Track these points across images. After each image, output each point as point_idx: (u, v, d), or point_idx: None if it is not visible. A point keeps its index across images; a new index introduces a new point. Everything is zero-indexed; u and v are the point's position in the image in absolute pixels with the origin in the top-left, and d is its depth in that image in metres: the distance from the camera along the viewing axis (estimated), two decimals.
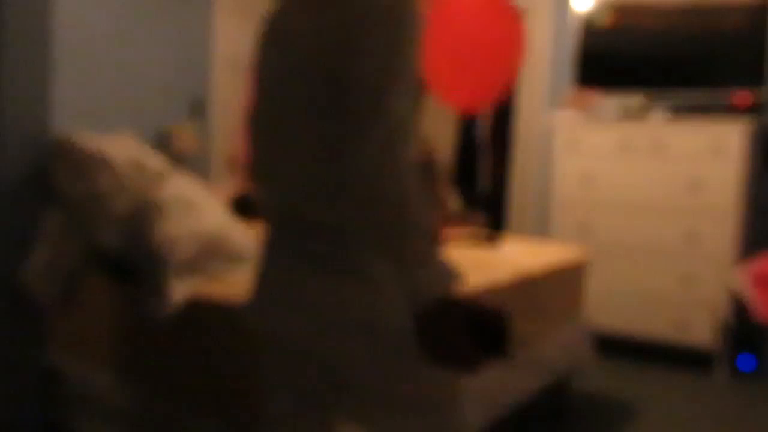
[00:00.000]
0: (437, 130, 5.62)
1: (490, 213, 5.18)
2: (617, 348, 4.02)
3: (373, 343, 1.15)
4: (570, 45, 4.47)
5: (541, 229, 4.68)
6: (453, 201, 5.36)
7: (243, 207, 3.56)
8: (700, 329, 3.80)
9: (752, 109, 3.87)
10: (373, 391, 1.19)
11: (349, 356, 1.17)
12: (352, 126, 1.07)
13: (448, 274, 1.09)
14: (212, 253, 2.20)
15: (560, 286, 3.00)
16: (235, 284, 2.11)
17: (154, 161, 2.42)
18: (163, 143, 4.41)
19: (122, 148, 2.40)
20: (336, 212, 1.15)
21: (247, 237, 2.40)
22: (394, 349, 1.13)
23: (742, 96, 3.91)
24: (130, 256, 2.20)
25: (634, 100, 4.10)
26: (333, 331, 1.16)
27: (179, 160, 4.35)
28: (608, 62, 4.33)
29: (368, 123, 1.06)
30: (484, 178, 5.09)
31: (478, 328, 1.06)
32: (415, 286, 1.06)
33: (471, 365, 1.07)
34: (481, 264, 2.68)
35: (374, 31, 1.08)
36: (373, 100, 1.06)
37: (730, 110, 3.87)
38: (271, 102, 1.30)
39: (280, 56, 1.25)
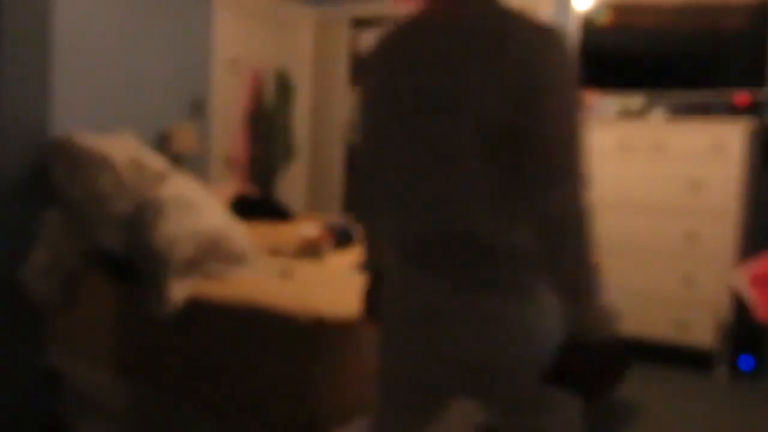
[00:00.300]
0: None
1: None
2: None
3: (531, 354, 1.28)
4: (571, 44, 4.47)
5: None
6: None
7: (242, 207, 3.57)
8: (701, 329, 3.80)
9: (752, 109, 3.88)
10: (517, 396, 1.33)
11: (508, 366, 1.29)
12: (542, 174, 1.22)
13: (612, 316, 1.21)
14: (212, 253, 2.20)
15: None
16: (235, 284, 2.11)
17: (154, 161, 2.42)
18: (163, 143, 4.41)
19: (122, 148, 2.40)
20: (510, 240, 1.29)
21: (247, 237, 2.40)
22: (543, 362, 1.26)
23: (742, 96, 3.91)
24: (130, 256, 2.20)
25: (634, 100, 4.10)
26: (499, 343, 1.28)
27: (179, 160, 4.35)
28: (608, 62, 4.33)
29: (560, 173, 1.22)
30: None
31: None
32: (582, 320, 1.18)
33: (604, 398, 1.23)
34: None
35: (560, 93, 1.21)
36: (565, 153, 1.22)
37: (731, 110, 3.87)
38: (416, 143, 1.33)
39: (443, 107, 1.29)
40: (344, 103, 5.63)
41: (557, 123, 1.21)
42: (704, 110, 3.93)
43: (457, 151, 1.27)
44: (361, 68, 1.45)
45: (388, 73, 1.36)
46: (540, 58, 1.21)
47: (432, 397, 1.42)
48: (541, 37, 1.23)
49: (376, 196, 1.46)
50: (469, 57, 1.24)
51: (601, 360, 1.19)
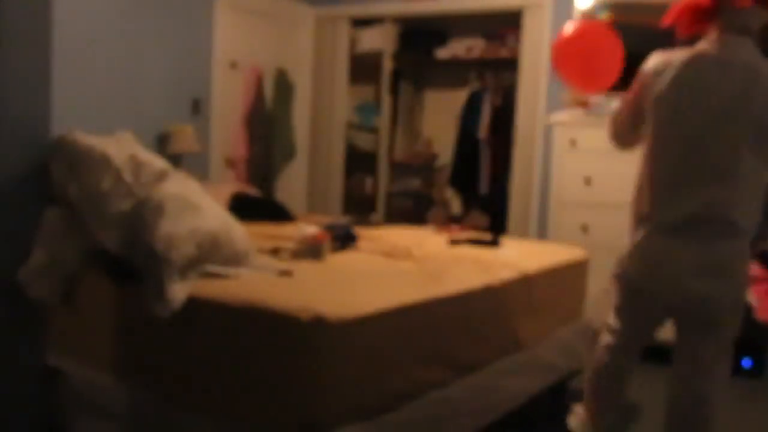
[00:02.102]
0: (437, 130, 5.62)
1: (490, 213, 5.18)
2: None
3: (742, 293, 2.14)
4: None
5: (541, 229, 4.68)
6: (453, 201, 5.36)
7: (242, 207, 3.56)
8: None
9: None
10: (720, 320, 2.15)
11: (731, 299, 2.11)
12: None
13: None
14: (212, 253, 2.20)
15: (560, 287, 3.00)
16: (235, 284, 2.11)
17: (154, 161, 2.42)
18: (163, 143, 4.41)
19: (122, 148, 2.40)
20: (751, 221, 2.08)
21: (247, 237, 2.40)
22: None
23: None
24: (130, 256, 2.20)
25: None
26: (730, 285, 2.09)
27: (179, 160, 4.35)
28: None
29: None
30: (484, 178, 5.08)
31: None
32: None
33: None
34: (481, 264, 2.68)
35: None
36: None
37: None
38: (699, 148, 2.09)
39: (722, 110, 2.06)
40: (344, 103, 5.63)
41: None
42: None
43: (735, 151, 2.02)
44: (649, 79, 2.15)
45: (689, 91, 2.07)
46: None
47: (660, 320, 2.29)
48: None
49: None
50: (742, 83, 2.02)
51: None
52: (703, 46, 2.12)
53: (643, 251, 2.16)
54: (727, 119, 2.03)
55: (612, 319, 2.35)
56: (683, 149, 2.10)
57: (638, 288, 2.20)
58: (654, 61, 2.17)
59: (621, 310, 2.31)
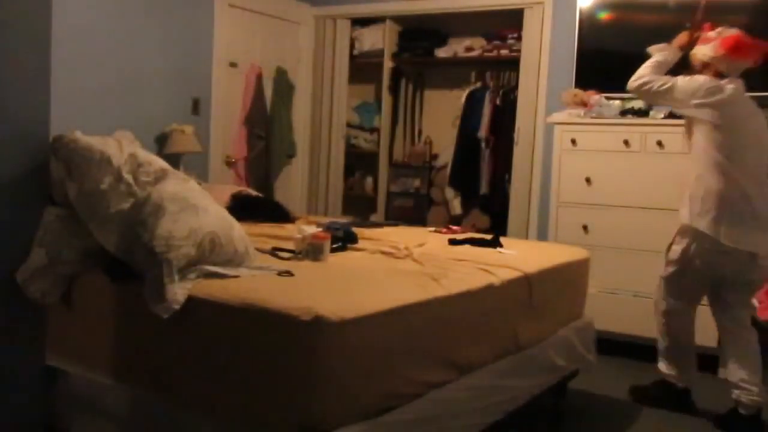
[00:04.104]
0: (437, 130, 5.62)
1: (490, 213, 5.18)
2: (617, 348, 4.01)
3: None
4: (571, 43, 4.47)
5: (541, 229, 4.67)
6: (454, 201, 5.36)
7: (242, 207, 3.56)
8: (702, 329, 3.79)
9: None
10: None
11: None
12: None
13: None
14: (212, 253, 2.20)
15: (560, 287, 3.00)
16: (235, 284, 2.11)
17: (154, 161, 2.42)
18: (163, 143, 4.41)
19: (122, 148, 2.39)
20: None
21: (247, 237, 2.39)
22: None
23: None
24: (129, 256, 2.20)
25: (634, 100, 4.10)
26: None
27: (179, 160, 4.35)
28: (609, 61, 4.32)
29: None
30: (484, 178, 5.08)
31: None
32: None
33: None
34: (481, 264, 2.68)
35: None
36: None
37: None
38: (748, 146, 3.10)
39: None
40: (344, 103, 5.63)
41: None
42: None
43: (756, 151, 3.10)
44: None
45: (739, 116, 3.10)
46: None
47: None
48: None
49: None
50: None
51: None
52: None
53: None
54: None
55: None
56: None
57: None
58: None
59: None
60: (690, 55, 3.23)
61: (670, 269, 3.25)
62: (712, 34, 3.15)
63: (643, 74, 3.20)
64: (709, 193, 3.04)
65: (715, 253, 3.06)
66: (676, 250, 3.20)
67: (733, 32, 3.10)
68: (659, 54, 3.24)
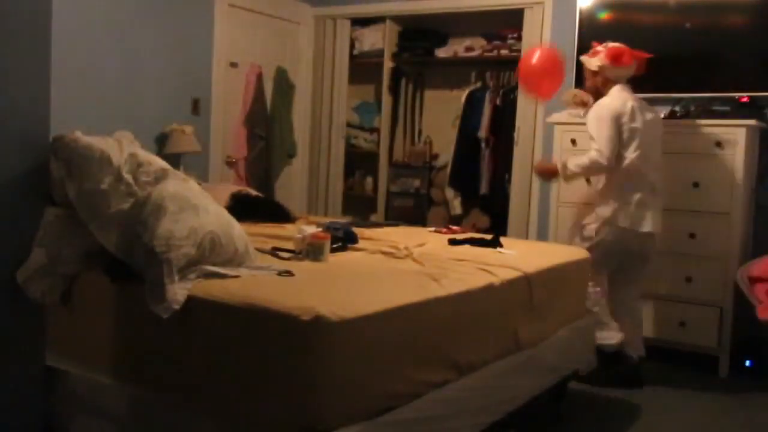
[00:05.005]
0: (437, 130, 5.62)
1: (490, 213, 5.18)
2: None
3: None
4: (571, 43, 4.46)
5: (541, 229, 4.67)
6: (454, 201, 5.35)
7: (242, 207, 3.56)
8: (701, 329, 3.80)
9: (753, 109, 3.87)
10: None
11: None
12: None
13: None
14: (212, 253, 2.20)
15: (560, 287, 3.00)
16: (235, 284, 2.11)
17: (154, 161, 2.42)
18: (162, 143, 4.41)
19: (122, 148, 2.39)
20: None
21: (247, 237, 2.39)
22: None
23: (743, 96, 3.90)
24: (130, 256, 2.20)
25: None
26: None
27: (179, 160, 4.35)
28: None
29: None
30: (485, 178, 5.08)
31: None
32: None
33: None
34: (481, 264, 2.68)
35: None
36: None
37: (732, 110, 3.86)
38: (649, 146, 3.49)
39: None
40: (344, 103, 5.63)
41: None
42: (706, 110, 3.92)
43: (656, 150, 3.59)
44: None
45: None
46: None
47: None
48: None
49: None
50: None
51: None
52: None
53: None
54: None
55: None
56: None
57: None
58: None
59: None
60: (583, 67, 3.70)
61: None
62: (600, 47, 3.59)
63: (583, 166, 3.54)
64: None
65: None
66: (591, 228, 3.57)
67: (616, 45, 3.55)
68: (573, 166, 3.59)
